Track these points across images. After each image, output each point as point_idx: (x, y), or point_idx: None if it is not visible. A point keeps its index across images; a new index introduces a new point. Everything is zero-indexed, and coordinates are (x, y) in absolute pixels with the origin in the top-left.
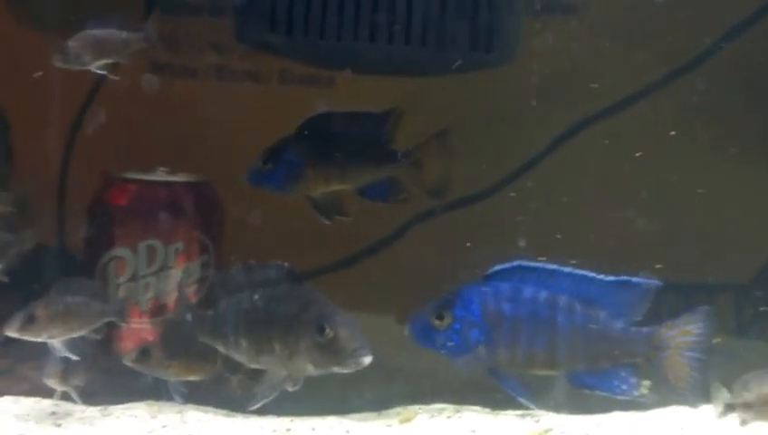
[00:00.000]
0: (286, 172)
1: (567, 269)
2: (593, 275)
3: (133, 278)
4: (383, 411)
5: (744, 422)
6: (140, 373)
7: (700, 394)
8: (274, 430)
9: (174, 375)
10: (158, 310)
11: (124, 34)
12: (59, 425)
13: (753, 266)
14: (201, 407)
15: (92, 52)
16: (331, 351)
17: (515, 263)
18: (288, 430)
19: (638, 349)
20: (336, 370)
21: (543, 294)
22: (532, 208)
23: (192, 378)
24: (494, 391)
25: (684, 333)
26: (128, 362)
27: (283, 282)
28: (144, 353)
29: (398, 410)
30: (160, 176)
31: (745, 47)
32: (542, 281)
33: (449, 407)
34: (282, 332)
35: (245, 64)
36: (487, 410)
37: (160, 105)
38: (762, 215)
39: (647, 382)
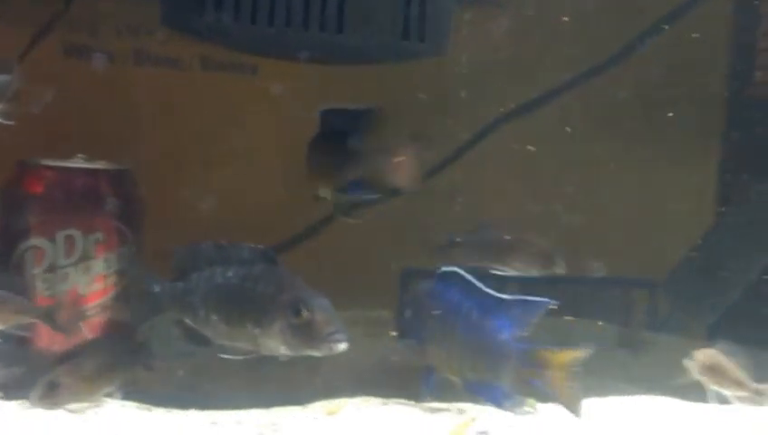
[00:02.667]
0: None
1: (472, 279)
2: (489, 291)
3: (51, 269)
4: (308, 404)
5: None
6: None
7: (576, 406)
8: (198, 425)
9: (87, 394)
10: (77, 301)
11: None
12: None
13: (668, 264)
14: (120, 401)
15: None
16: (306, 334)
17: (454, 268)
18: (213, 423)
19: (522, 364)
20: (309, 353)
21: (455, 299)
22: (457, 199)
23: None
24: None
25: (563, 357)
26: (35, 403)
27: (259, 262)
28: (51, 387)
29: (323, 402)
30: (79, 163)
31: (669, 41)
32: (458, 287)
33: (375, 399)
34: (257, 311)
35: (166, 50)
36: (412, 402)
37: (77, 90)
38: (678, 214)
39: (532, 400)
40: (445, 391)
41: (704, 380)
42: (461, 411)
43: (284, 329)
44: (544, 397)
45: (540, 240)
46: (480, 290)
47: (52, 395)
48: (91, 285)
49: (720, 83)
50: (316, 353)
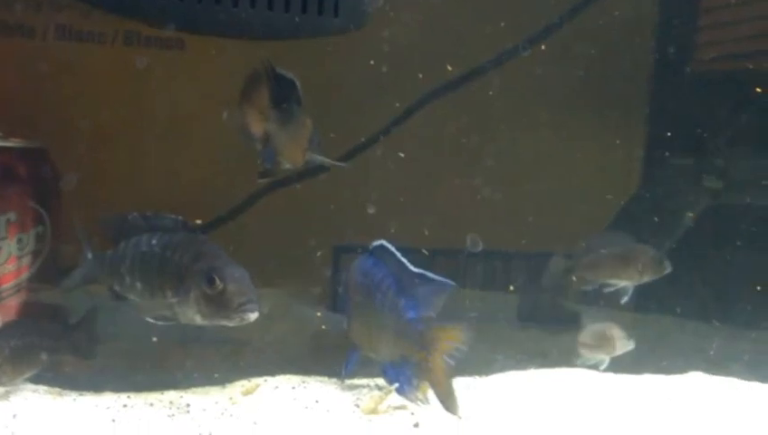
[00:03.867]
0: None
1: (398, 254)
2: (407, 264)
3: None
4: (228, 385)
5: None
6: None
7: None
8: (108, 407)
9: (11, 375)
10: None
11: None
12: None
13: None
14: (33, 385)
15: None
16: (219, 303)
17: (380, 242)
18: (124, 406)
19: (412, 344)
20: (223, 323)
21: (379, 275)
22: (382, 176)
23: (28, 371)
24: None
25: (450, 339)
26: None
27: (180, 232)
28: None
29: (242, 382)
30: None
31: (588, 24)
32: (384, 261)
33: (295, 378)
34: (174, 279)
35: (88, 24)
36: (334, 379)
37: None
38: (605, 190)
39: (426, 387)
40: (365, 368)
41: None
42: (379, 388)
43: (199, 298)
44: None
45: (643, 246)
46: (402, 266)
47: None
48: (4, 266)
49: (647, 61)
50: (228, 323)
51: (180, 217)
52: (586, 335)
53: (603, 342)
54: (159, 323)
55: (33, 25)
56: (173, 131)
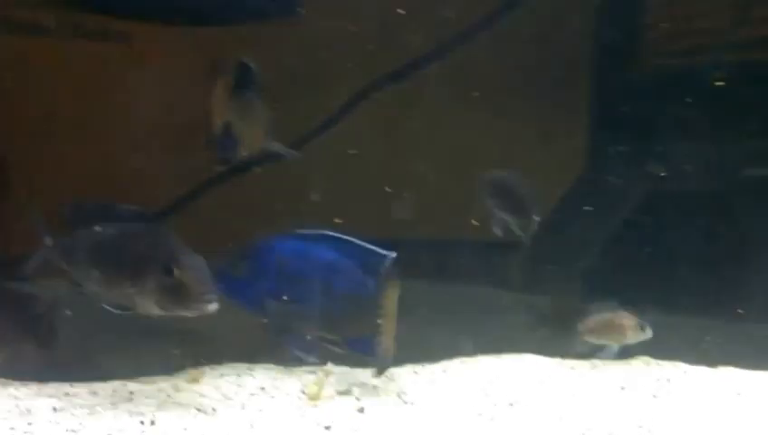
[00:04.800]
0: None
1: (324, 231)
2: (345, 238)
3: None
4: (176, 374)
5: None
6: None
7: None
8: (50, 396)
9: None
10: None
11: None
12: None
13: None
14: None
15: None
16: (177, 293)
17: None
18: (66, 394)
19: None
20: (181, 313)
21: (318, 256)
22: (327, 164)
23: None
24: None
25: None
26: None
27: (137, 221)
28: None
29: (190, 371)
30: None
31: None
32: (306, 243)
33: (241, 365)
34: (132, 269)
35: (34, 17)
36: (280, 367)
37: None
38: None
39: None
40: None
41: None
42: (323, 370)
43: (157, 288)
44: None
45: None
46: (340, 242)
47: None
48: None
49: (588, 55)
50: (187, 314)
51: (138, 208)
52: (592, 322)
53: (611, 329)
54: (117, 312)
55: None
56: (117, 122)
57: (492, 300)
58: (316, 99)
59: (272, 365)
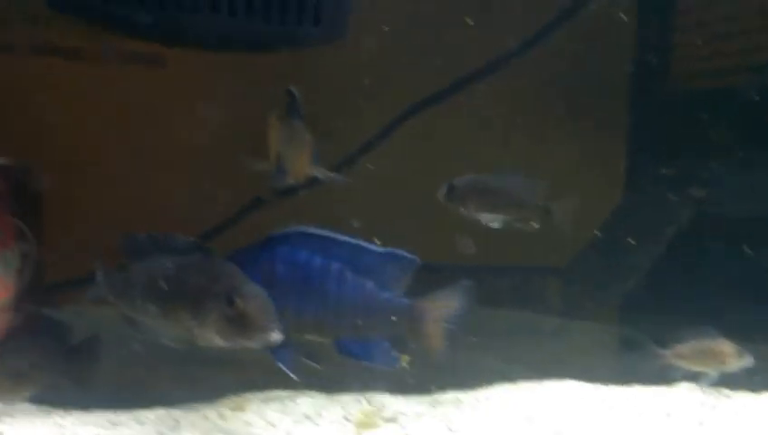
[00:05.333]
0: None
1: (343, 238)
2: (364, 244)
3: None
4: (217, 401)
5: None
6: None
7: (445, 361)
8: (95, 424)
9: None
10: None
11: None
12: None
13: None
14: (19, 405)
15: None
16: (240, 324)
17: (295, 229)
18: (111, 422)
19: (398, 320)
20: (243, 344)
21: (316, 261)
22: (364, 191)
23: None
24: (329, 377)
25: (443, 307)
26: None
27: (193, 253)
28: None
29: (233, 398)
30: None
31: (575, 33)
32: (318, 248)
33: (284, 393)
34: (192, 301)
35: (67, 40)
36: (323, 394)
37: None
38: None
39: (407, 357)
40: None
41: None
42: (368, 401)
43: (219, 320)
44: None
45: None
46: (357, 248)
47: None
48: None
49: (625, 75)
50: (250, 344)
51: (193, 239)
52: (687, 348)
53: (709, 356)
54: (177, 346)
55: (8, 40)
56: (153, 148)
57: (533, 325)
58: (357, 124)
59: (314, 392)
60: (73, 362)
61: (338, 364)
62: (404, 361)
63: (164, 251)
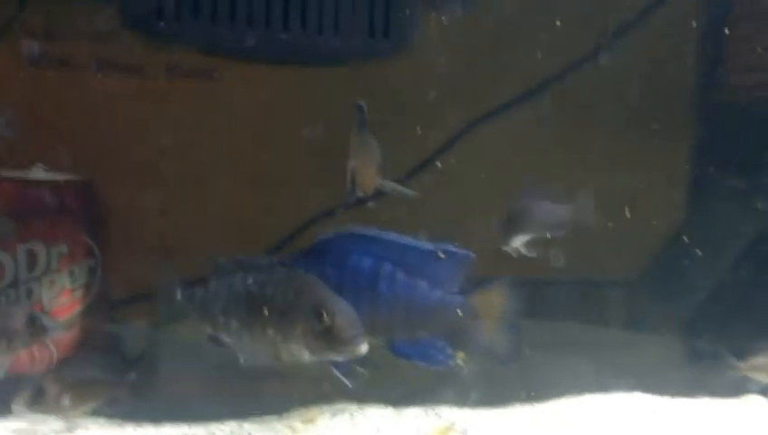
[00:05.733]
0: None
1: (393, 237)
2: (415, 243)
3: (14, 284)
4: (284, 414)
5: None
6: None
7: (513, 355)
8: None
9: (73, 407)
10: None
11: None
12: None
13: (638, 263)
14: (92, 417)
15: None
16: (328, 338)
17: (344, 231)
18: None
19: (455, 317)
20: (331, 357)
21: (367, 263)
22: (432, 203)
23: (90, 404)
24: (393, 389)
25: (494, 300)
26: (19, 407)
27: (276, 269)
28: (38, 394)
29: (300, 410)
30: (39, 174)
31: (639, 40)
32: (367, 249)
33: (351, 406)
34: (278, 316)
35: (130, 57)
36: (389, 407)
37: (39, 99)
38: (644, 214)
39: (461, 353)
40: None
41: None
42: (438, 415)
43: (307, 334)
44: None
45: None
46: (399, 246)
47: (37, 401)
48: (57, 300)
49: (689, 83)
50: (338, 357)
51: (275, 258)
52: (763, 360)
53: None
54: (261, 362)
55: (73, 57)
56: (216, 163)
57: (599, 337)
58: (421, 135)
59: (381, 405)
60: (133, 375)
61: (400, 374)
62: (459, 358)
63: (247, 270)
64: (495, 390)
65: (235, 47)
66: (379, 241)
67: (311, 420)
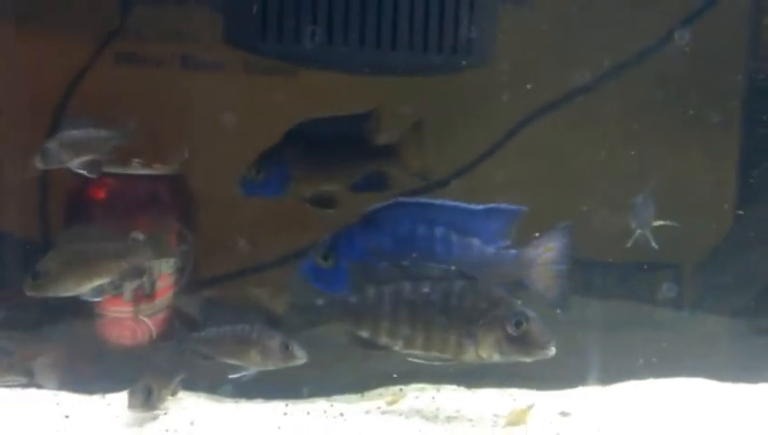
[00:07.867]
0: (276, 181)
1: (440, 202)
2: (465, 205)
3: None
4: (365, 393)
5: None
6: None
7: (564, 300)
8: (271, 415)
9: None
10: (140, 300)
11: (102, 133)
12: (67, 416)
13: (699, 247)
14: (195, 393)
15: (71, 151)
16: (524, 343)
17: (393, 201)
18: (285, 414)
19: (510, 270)
20: (522, 359)
21: (420, 229)
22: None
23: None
24: (466, 371)
25: (547, 250)
26: (135, 408)
27: (456, 279)
28: (146, 391)
29: (380, 390)
30: (136, 168)
31: (693, 39)
32: (419, 216)
33: (429, 386)
34: (466, 323)
35: (211, 54)
36: (463, 387)
37: (129, 96)
38: (702, 203)
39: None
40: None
41: None
42: (513, 398)
43: (501, 340)
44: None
45: None
46: (449, 209)
47: (149, 401)
48: (158, 283)
49: (739, 77)
50: (529, 359)
51: (453, 267)
52: None
53: None
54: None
55: (160, 56)
56: None
57: (662, 320)
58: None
59: (455, 386)
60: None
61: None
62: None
63: (411, 278)
64: (559, 373)
65: (347, 66)
66: (429, 207)
67: (396, 401)
